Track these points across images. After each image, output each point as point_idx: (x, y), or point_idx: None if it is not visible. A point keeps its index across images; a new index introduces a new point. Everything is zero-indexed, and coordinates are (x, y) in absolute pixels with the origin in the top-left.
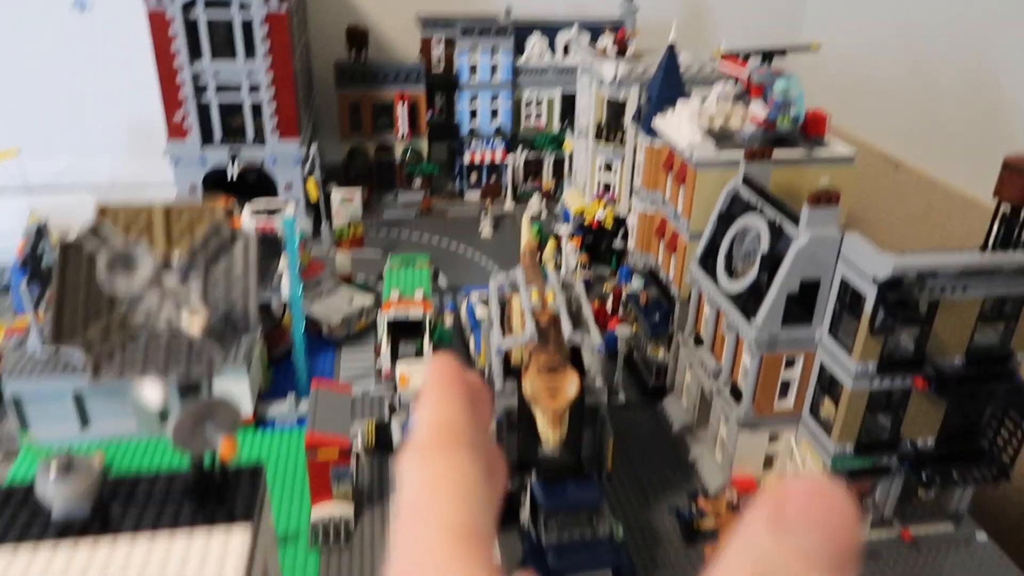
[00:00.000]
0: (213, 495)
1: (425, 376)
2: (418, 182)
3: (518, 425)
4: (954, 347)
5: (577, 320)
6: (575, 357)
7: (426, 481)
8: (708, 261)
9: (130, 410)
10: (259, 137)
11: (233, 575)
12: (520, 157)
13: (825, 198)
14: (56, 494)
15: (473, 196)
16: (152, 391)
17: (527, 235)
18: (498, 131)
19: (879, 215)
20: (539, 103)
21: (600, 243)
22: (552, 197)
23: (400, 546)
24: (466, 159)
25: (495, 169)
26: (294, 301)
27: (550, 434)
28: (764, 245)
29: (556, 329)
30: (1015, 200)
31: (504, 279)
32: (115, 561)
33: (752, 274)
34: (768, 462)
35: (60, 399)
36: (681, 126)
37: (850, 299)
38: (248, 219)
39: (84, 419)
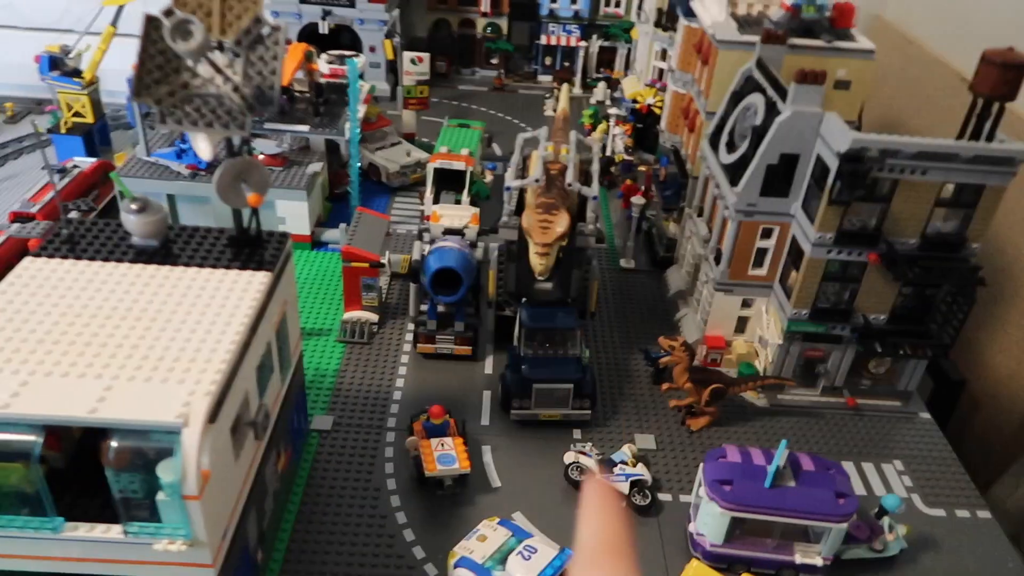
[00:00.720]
0: (247, 247)
1: (584, 499)
2: (495, 60)
3: (517, 259)
4: (910, 229)
5: (585, 175)
6: (582, 211)
7: None
8: (716, 139)
9: (211, 215)
10: None
11: (249, 302)
12: (594, 44)
13: (811, 77)
14: (133, 225)
15: (545, 79)
16: (203, 143)
17: (564, 102)
18: (576, 15)
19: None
20: None
21: (649, 131)
22: (618, 88)
23: None
24: (543, 41)
25: (570, 54)
26: (352, 137)
27: (537, 262)
28: (758, 120)
29: (563, 178)
30: (987, 92)
31: (531, 135)
32: (171, 280)
33: (744, 147)
34: (740, 327)
35: (158, 198)
36: (712, 8)
37: (820, 173)
38: (324, 64)
39: (175, 217)
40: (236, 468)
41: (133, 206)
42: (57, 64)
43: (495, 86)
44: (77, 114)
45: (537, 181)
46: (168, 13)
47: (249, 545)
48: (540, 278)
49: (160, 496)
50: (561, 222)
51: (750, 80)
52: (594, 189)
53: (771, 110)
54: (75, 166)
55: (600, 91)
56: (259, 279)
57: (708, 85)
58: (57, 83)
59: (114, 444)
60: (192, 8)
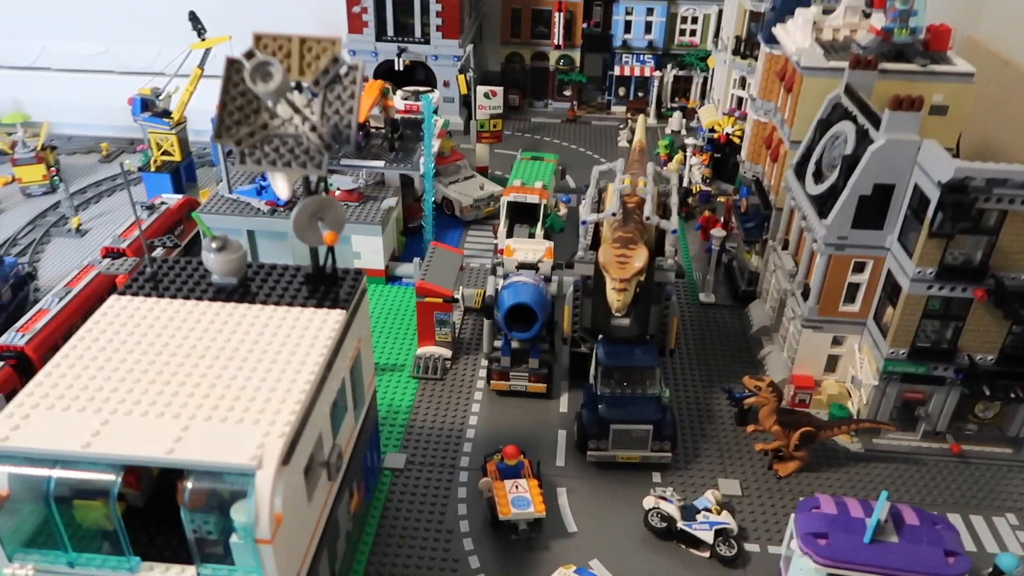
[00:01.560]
0: (323, 284)
1: None
2: (568, 91)
3: (593, 295)
4: (1022, 263)
5: (663, 208)
6: (660, 245)
7: None
8: (802, 168)
9: (289, 251)
10: (425, 35)
11: (324, 341)
12: (669, 74)
13: (908, 103)
14: (212, 263)
15: (619, 109)
16: (281, 183)
17: (640, 133)
18: (649, 45)
19: None
20: (695, 19)
21: (727, 160)
22: (694, 118)
23: None
24: (616, 71)
25: (644, 84)
26: (427, 172)
27: (614, 298)
28: (848, 148)
29: (640, 212)
30: None
31: (607, 167)
32: (248, 318)
33: (833, 177)
34: (830, 366)
35: (238, 234)
36: (795, 34)
37: (919, 204)
38: (399, 101)
39: (254, 253)
40: (309, 510)
41: (214, 245)
42: (148, 106)
43: (568, 118)
44: (166, 152)
45: (614, 215)
46: (249, 55)
47: None
48: (617, 314)
49: (233, 538)
50: (639, 257)
51: (838, 107)
52: (673, 222)
53: (863, 138)
54: (163, 203)
55: (675, 121)
56: (334, 317)
57: (793, 113)
58: (148, 123)
59: (189, 485)
60: (272, 50)
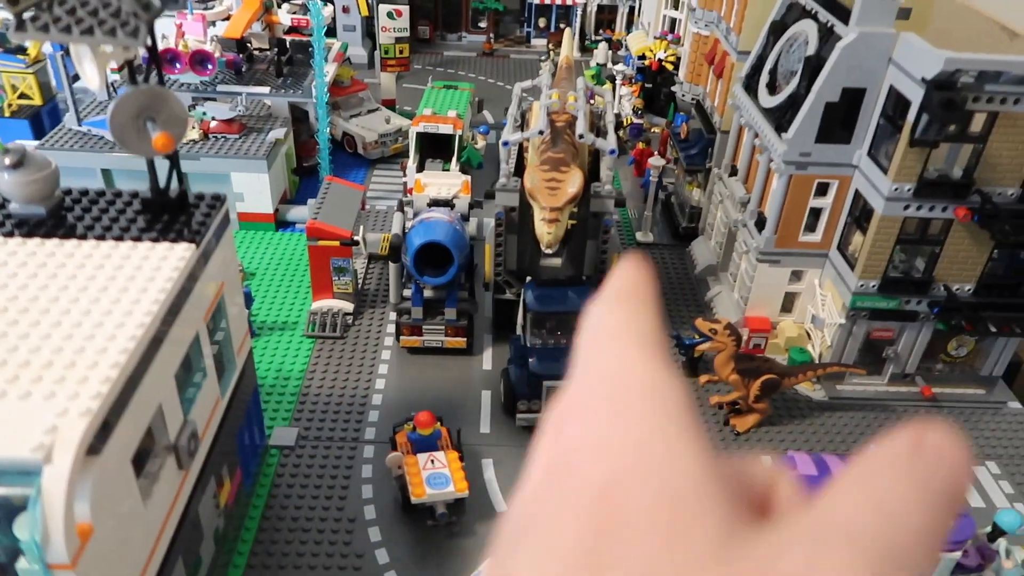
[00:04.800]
0: (166, 213)
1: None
2: (484, 23)
3: (519, 230)
4: (1010, 176)
5: (597, 126)
6: (595, 169)
7: (613, 312)
8: (752, 81)
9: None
10: None
11: (161, 285)
12: (593, 3)
13: None
14: (7, 186)
15: (540, 42)
16: (89, 65)
17: (567, 49)
18: None
19: None
20: None
21: (659, 91)
22: (620, 49)
23: (587, 356)
24: (535, 0)
25: (566, 15)
26: (319, 98)
27: (544, 230)
28: (811, 48)
29: (572, 132)
30: None
31: (530, 84)
32: (57, 258)
33: (793, 84)
34: (787, 306)
35: (90, 174)
36: None
37: (895, 109)
38: (285, 15)
39: None
40: (147, 512)
41: (7, 161)
42: None
43: (484, 51)
44: (23, 95)
45: (541, 133)
46: None
47: None
48: (548, 251)
49: (21, 563)
50: (573, 181)
51: (794, 6)
52: (611, 142)
53: (827, 36)
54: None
55: (601, 54)
56: (178, 253)
57: (740, 19)
58: None
59: None
60: None
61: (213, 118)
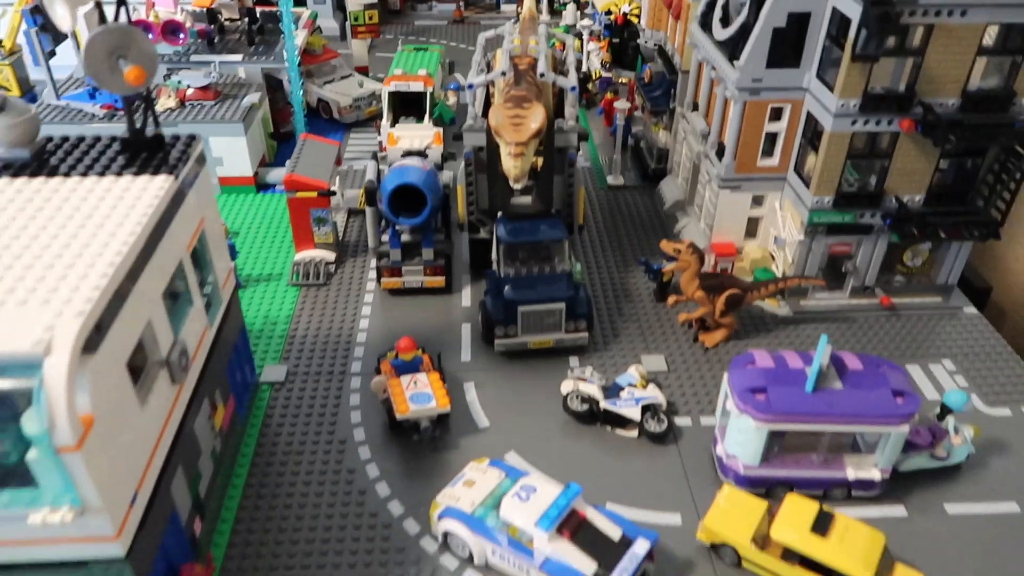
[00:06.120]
0: (143, 151)
1: None
2: None
3: (489, 170)
4: (949, 87)
5: (560, 67)
6: (560, 109)
7: None
8: (707, 18)
9: None
10: None
11: (143, 209)
12: None
13: None
14: None
15: (509, 8)
16: (61, 8)
17: (529, 2)
18: None
19: None
20: None
21: (626, 46)
22: (588, 8)
23: None
24: None
25: None
26: (290, 62)
27: (511, 164)
28: None
29: (534, 74)
30: None
31: (493, 33)
32: (43, 193)
33: (743, 15)
34: (751, 231)
35: None
36: None
37: (838, 28)
38: None
39: None
40: (144, 417)
41: None
42: None
43: (455, 19)
44: (1, 87)
45: (504, 74)
46: None
47: (179, 514)
48: (516, 186)
49: (31, 453)
50: (535, 116)
51: None
52: (571, 79)
53: None
54: None
55: (569, 14)
56: (158, 184)
57: None
58: None
59: None
60: None
61: (189, 86)
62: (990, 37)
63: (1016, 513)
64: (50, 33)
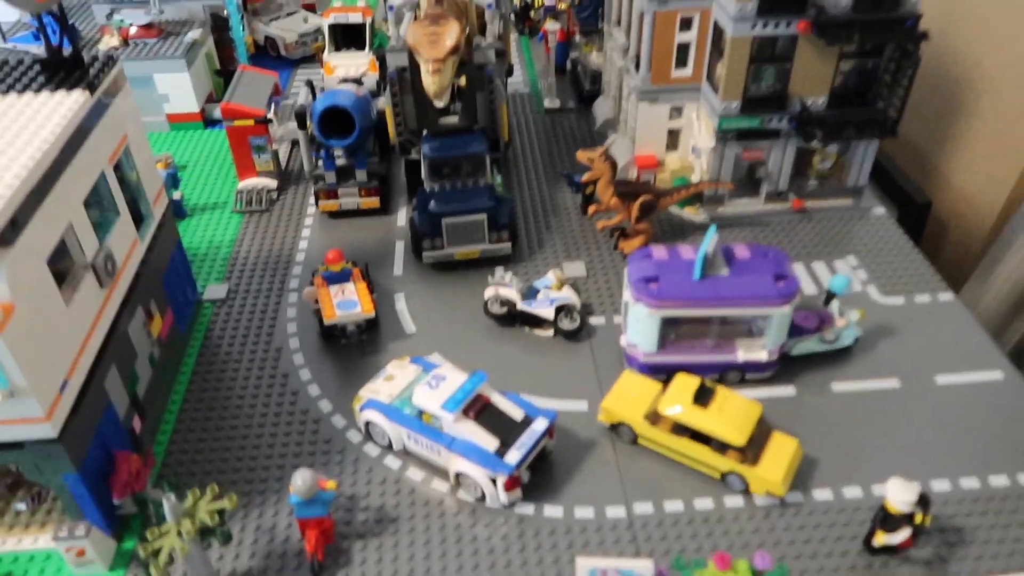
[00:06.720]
0: (61, 70)
1: None
2: None
3: (414, 90)
4: None
5: None
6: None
7: None
8: None
9: None
10: None
11: (58, 120)
12: None
13: None
14: None
15: None
16: None
17: None
18: None
19: None
20: None
21: None
22: None
23: None
24: None
25: None
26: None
27: (430, 81)
28: None
29: None
30: None
31: None
32: None
33: None
34: (672, 144)
35: None
36: None
37: None
38: None
39: None
40: (69, 314)
41: None
42: None
43: None
44: None
45: None
46: None
47: (115, 408)
48: (438, 104)
49: None
50: (450, 33)
51: None
52: None
53: None
54: None
55: None
56: (73, 98)
57: None
58: None
59: None
60: None
61: (131, 24)
62: None
63: (896, 388)
64: None
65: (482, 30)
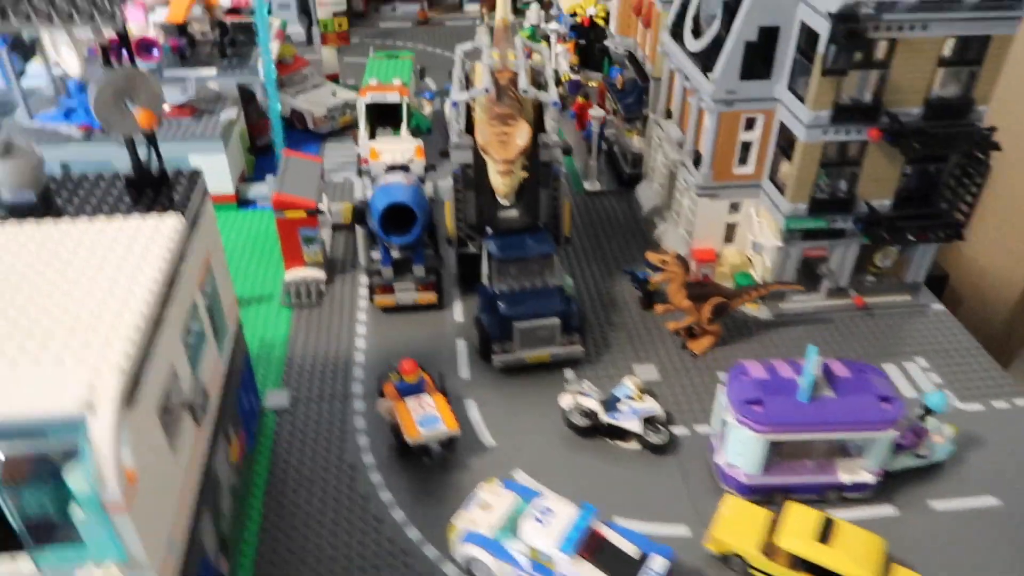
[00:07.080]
0: (149, 189)
1: None
2: None
3: (476, 186)
4: (912, 96)
5: (538, 81)
6: (540, 122)
7: None
8: (678, 29)
9: None
10: None
11: (159, 252)
12: None
13: None
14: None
15: (472, 7)
16: (67, 52)
17: (502, 10)
18: None
19: None
20: None
21: (593, 47)
22: (552, 8)
23: None
24: None
25: None
26: (267, 75)
27: (500, 182)
28: None
29: (515, 87)
30: None
31: (470, 46)
32: (55, 237)
33: (715, 27)
34: (729, 236)
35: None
36: None
37: (807, 43)
38: None
39: None
40: (174, 463)
41: None
42: None
43: (420, 20)
44: None
45: (487, 91)
46: None
47: (208, 555)
48: (505, 202)
49: (75, 511)
50: (521, 133)
51: None
52: (552, 94)
53: None
54: None
55: (533, 14)
56: (169, 224)
57: None
58: None
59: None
60: None
61: (165, 103)
62: (948, 49)
63: (995, 506)
64: (19, 52)
65: (539, 124)
